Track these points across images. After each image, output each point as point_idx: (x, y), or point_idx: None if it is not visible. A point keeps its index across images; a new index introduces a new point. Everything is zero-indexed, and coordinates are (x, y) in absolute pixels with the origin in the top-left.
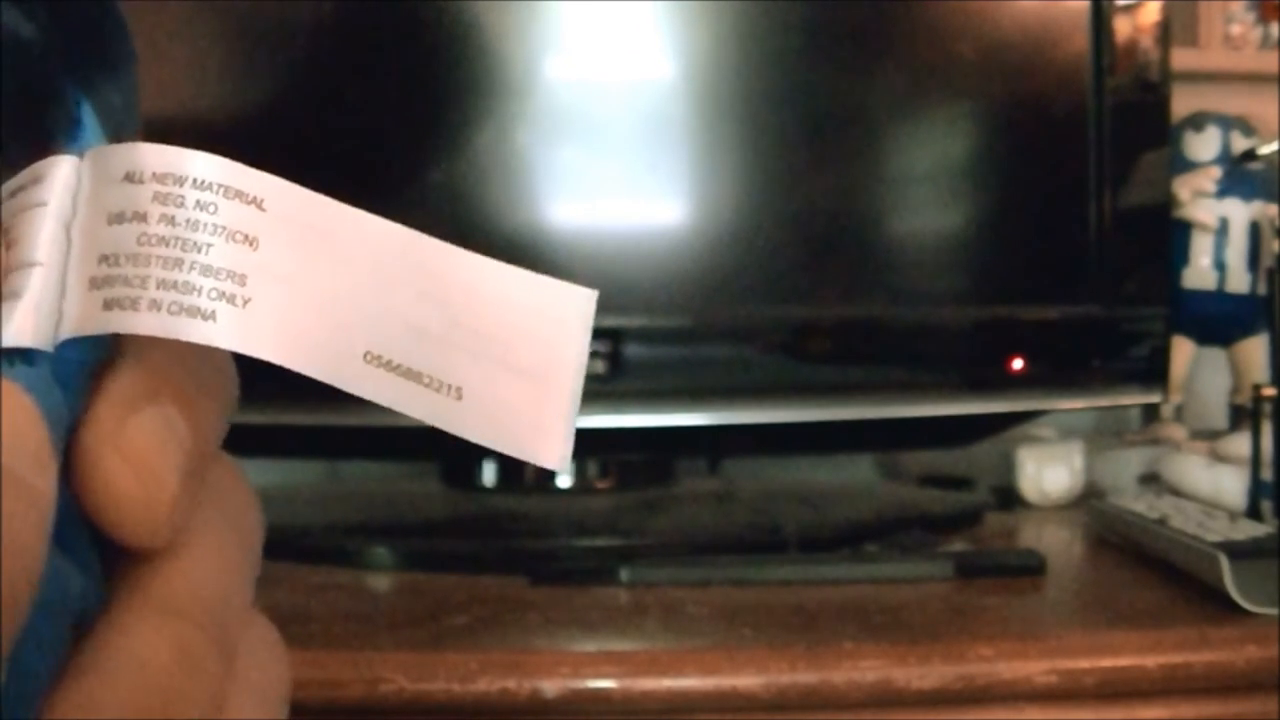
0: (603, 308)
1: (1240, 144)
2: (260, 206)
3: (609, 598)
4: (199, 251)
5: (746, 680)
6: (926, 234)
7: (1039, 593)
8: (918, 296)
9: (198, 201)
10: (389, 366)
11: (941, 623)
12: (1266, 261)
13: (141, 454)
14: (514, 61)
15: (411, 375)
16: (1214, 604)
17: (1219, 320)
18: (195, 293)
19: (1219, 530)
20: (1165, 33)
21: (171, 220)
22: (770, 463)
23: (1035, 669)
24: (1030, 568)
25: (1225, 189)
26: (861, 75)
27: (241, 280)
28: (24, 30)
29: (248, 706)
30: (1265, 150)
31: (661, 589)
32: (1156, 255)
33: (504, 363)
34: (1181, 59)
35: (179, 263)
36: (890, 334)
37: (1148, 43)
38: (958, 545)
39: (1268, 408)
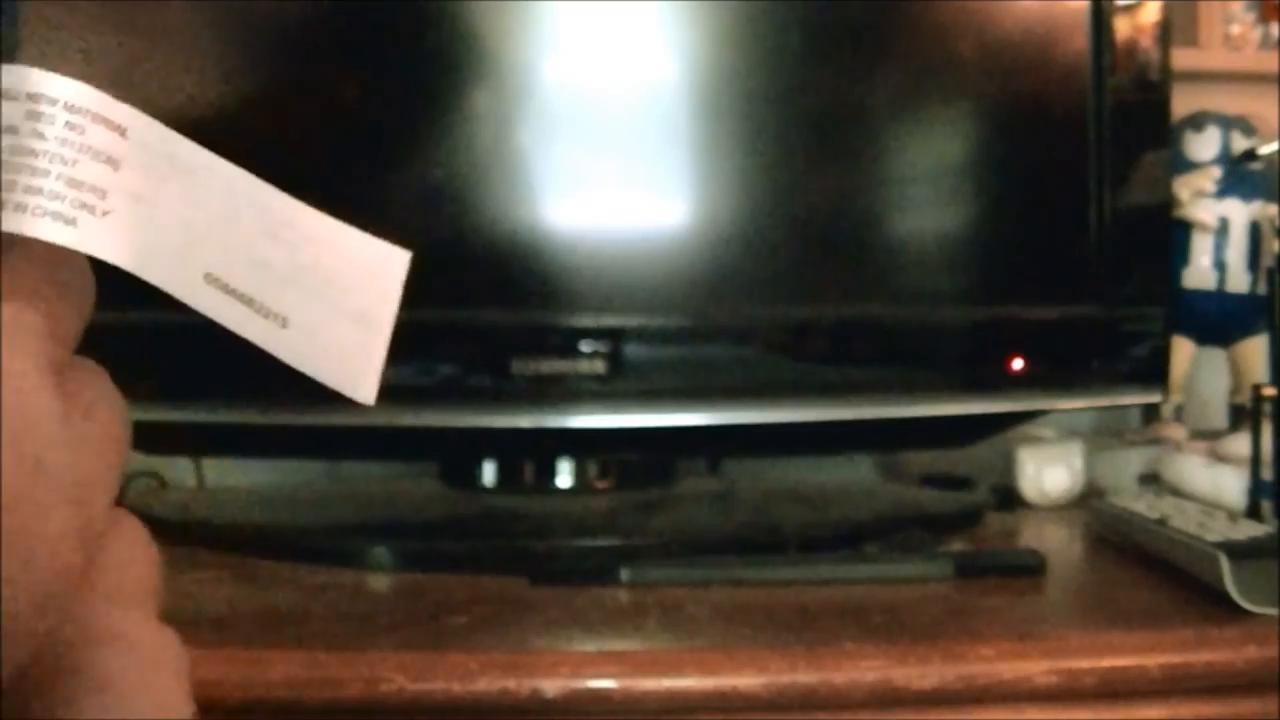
0: (603, 307)
1: (1240, 144)
2: (124, 135)
3: (609, 598)
4: (65, 165)
5: (746, 680)
6: (926, 234)
7: (1039, 593)
8: (918, 296)
9: (68, 122)
10: (225, 289)
11: (941, 623)
12: (1266, 261)
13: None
14: (514, 61)
15: (244, 299)
16: (1214, 604)
17: (1219, 320)
18: (59, 200)
19: (1219, 530)
20: (1165, 33)
21: (42, 135)
22: (770, 463)
23: (1035, 669)
24: (1030, 568)
25: (1225, 189)
26: (861, 75)
27: (102, 194)
28: None
29: (112, 594)
30: (1265, 150)
31: (661, 589)
32: (1156, 255)
33: (331, 303)
34: (1181, 59)
35: (46, 173)
36: (890, 334)
37: (1148, 43)
38: (958, 545)
39: (1268, 408)
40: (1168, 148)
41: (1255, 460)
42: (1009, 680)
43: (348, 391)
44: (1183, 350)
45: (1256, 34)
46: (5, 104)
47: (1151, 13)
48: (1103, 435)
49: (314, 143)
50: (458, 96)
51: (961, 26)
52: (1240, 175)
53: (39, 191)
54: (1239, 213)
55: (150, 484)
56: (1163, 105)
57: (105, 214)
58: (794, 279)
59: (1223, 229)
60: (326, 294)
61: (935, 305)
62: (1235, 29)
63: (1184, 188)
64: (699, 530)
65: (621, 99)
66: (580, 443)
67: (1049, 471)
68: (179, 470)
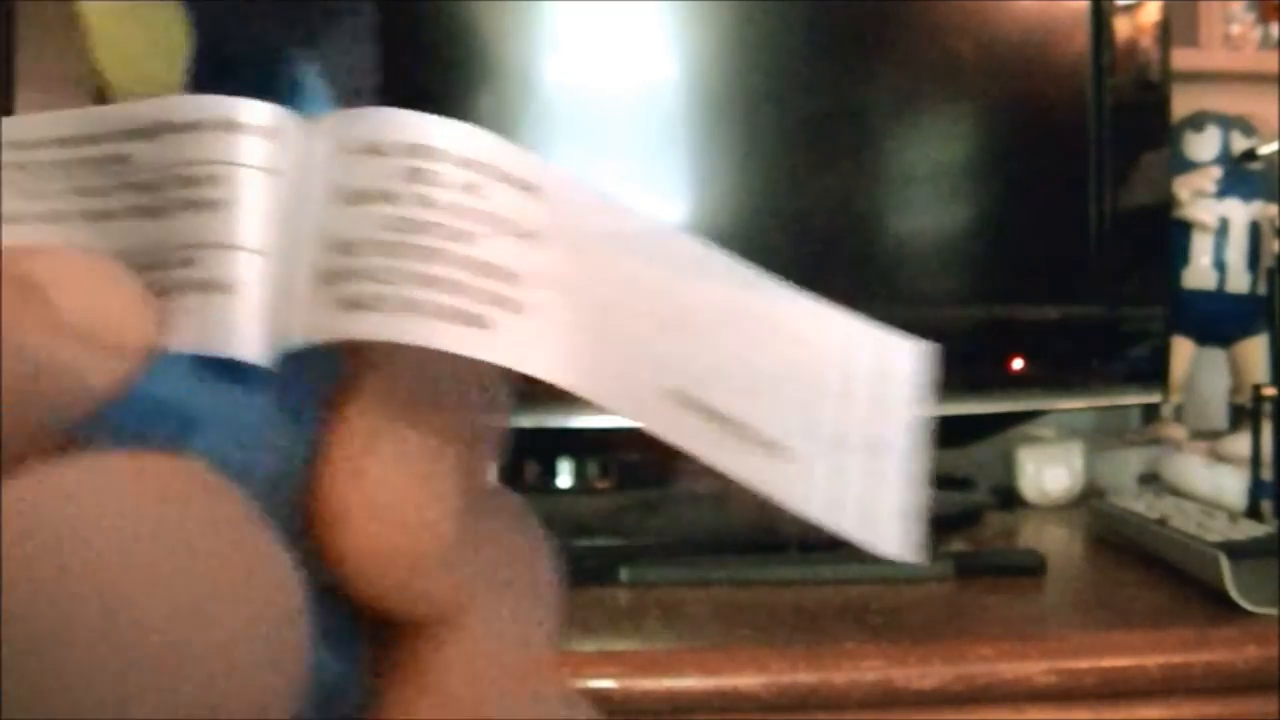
0: None
1: (1240, 144)
2: (536, 195)
3: (609, 598)
4: (465, 242)
5: (746, 680)
6: (926, 234)
7: (1039, 593)
8: (918, 296)
9: (464, 183)
10: (692, 405)
11: (941, 623)
12: (1266, 261)
13: (400, 498)
14: (514, 61)
15: (719, 419)
16: (1214, 604)
17: (1219, 320)
18: (462, 293)
19: (1219, 530)
20: (1165, 33)
21: (430, 202)
22: None
23: (1035, 669)
24: (1030, 568)
25: (1225, 189)
26: (861, 75)
27: (516, 281)
28: None
29: None
30: (1265, 150)
31: (661, 589)
32: (1156, 255)
33: (828, 420)
34: (1181, 59)
35: (439, 254)
36: None
37: (1148, 43)
38: (958, 545)
39: (1268, 408)
40: (1168, 148)
41: (1255, 460)
42: (1009, 680)
43: (868, 542)
44: (1183, 350)
45: (1256, 34)
46: (375, 162)
47: (1151, 13)
48: (1103, 435)
49: None
50: (457, 96)
51: (961, 27)
52: (1240, 175)
53: (434, 283)
54: (1239, 213)
55: None
56: (1163, 105)
57: (523, 309)
58: (794, 279)
59: (1223, 229)
60: (821, 406)
61: (935, 305)
62: (1235, 29)
63: (1184, 188)
64: (699, 530)
65: (621, 99)
66: (580, 442)
67: (1049, 471)
68: None
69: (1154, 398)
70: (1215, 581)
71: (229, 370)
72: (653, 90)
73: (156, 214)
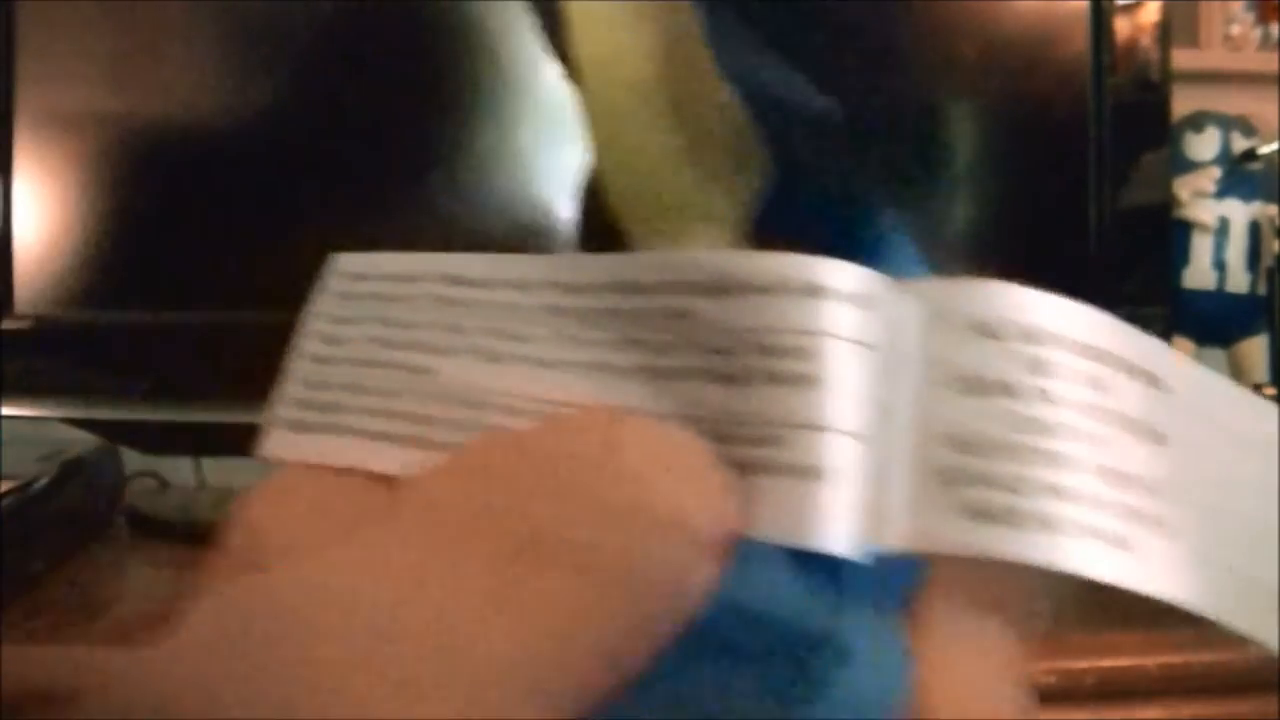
0: None
1: (1240, 144)
2: (1159, 387)
3: None
4: (1098, 448)
5: None
6: (926, 234)
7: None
8: None
9: (1089, 375)
10: (1254, 588)
11: None
12: (1266, 261)
13: (986, 704)
14: (514, 61)
15: (1253, 584)
16: None
17: (1219, 320)
18: (1100, 509)
19: None
20: (1165, 33)
21: (1055, 399)
22: None
23: (1035, 669)
24: None
25: (1225, 189)
26: (861, 75)
27: (1153, 493)
28: (834, 113)
29: None
30: (1265, 150)
31: None
32: (1156, 255)
33: None
34: (1181, 59)
35: (1071, 462)
36: None
37: (1148, 43)
38: None
39: None
40: (1168, 148)
41: None
42: None
43: None
44: (1182, 350)
45: (1256, 34)
46: (985, 346)
47: (1151, 13)
48: None
49: (313, 143)
50: (458, 97)
51: (961, 27)
52: (1240, 175)
53: (1070, 496)
54: (1239, 213)
55: (150, 484)
56: (1163, 105)
57: (1163, 525)
58: None
59: (1223, 229)
60: None
61: None
62: (1235, 29)
63: (1184, 188)
64: None
65: None
66: None
67: None
68: (179, 470)
69: None
70: None
71: (807, 560)
72: None
73: (729, 381)
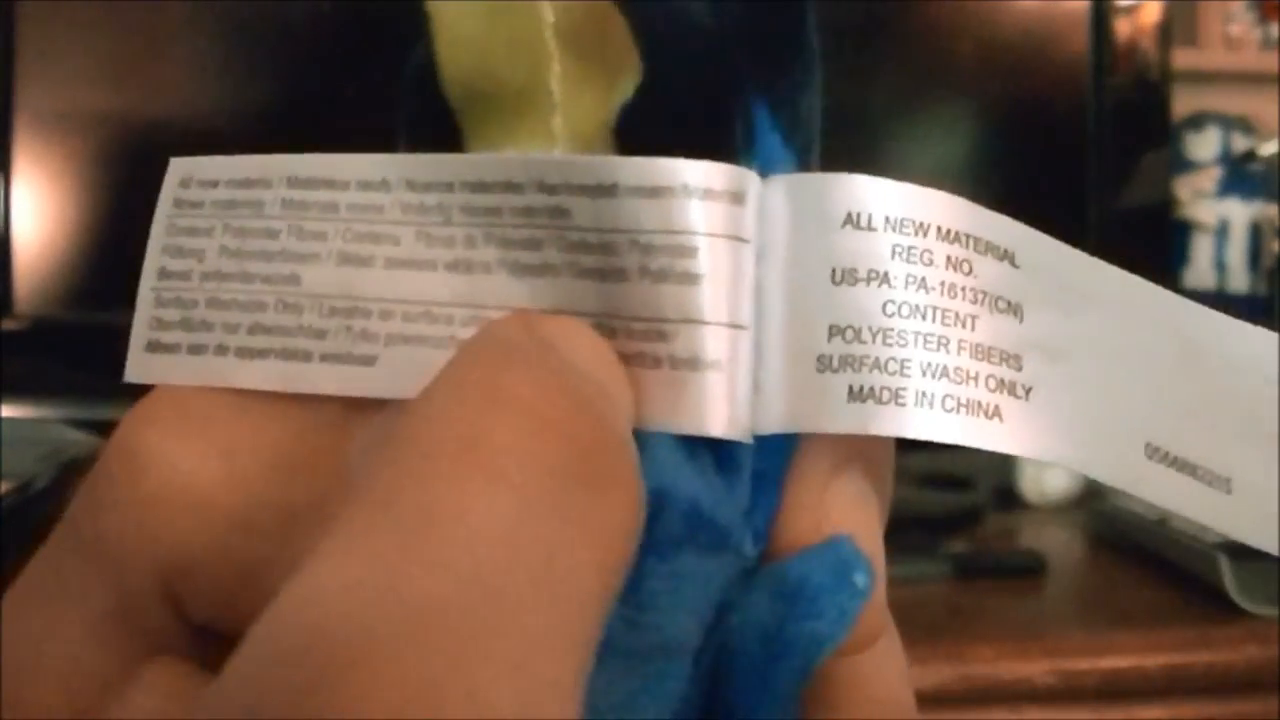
0: None
1: (1240, 144)
2: (1013, 262)
3: None
4: (964, 327)
5: None
6: None
7: (1039, 593)
8: None
9: (949, 258)
10: (1168, 460)
11: (941, 623)
12: (1267, 261)
13: (857, 532)
14: None
15: (1187, 468)
16: (1214, 604)
17: None
18: (970, 382)
19: (1219, 531)
20: (1165, 33)
21: (923, 284)
22: None
23: (1035, 669)
24: (1030, 568)
25: (1225, 189)
26: (861, 75)
27: (1016, 362)
28: (705, 21)
29: None
30: (1265, 150)
31: None
32: (1156, 255)
33: (1263, 439)
34: (1181, 59)
35: (944, 342)
36: None
37: (1148, 43)
38: (958, 545)
39: None
40: (1168, 148)
41: None
42: (1009, 680)
43: None
44: None
45: (1256, 34)
46: (858, 237)
47: (1151, 13)
48: None
49: (313, 144)
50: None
51: (961, 27)
52: (1240, 175)
53: (942, 372)
54: (1239, 213)
55: None
56: (1163, 105)
57: (1029, 391)
58: None
59: (1223, 229)
60: (1260, 428)
61: None
62: (1235, 29)
63: (1184, 188)
64: None
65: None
66: None
67: (1049, 472)
68: None
69: None
70: (1215, 582)
71: (692, 444)
72: None
73: (608, 278)
